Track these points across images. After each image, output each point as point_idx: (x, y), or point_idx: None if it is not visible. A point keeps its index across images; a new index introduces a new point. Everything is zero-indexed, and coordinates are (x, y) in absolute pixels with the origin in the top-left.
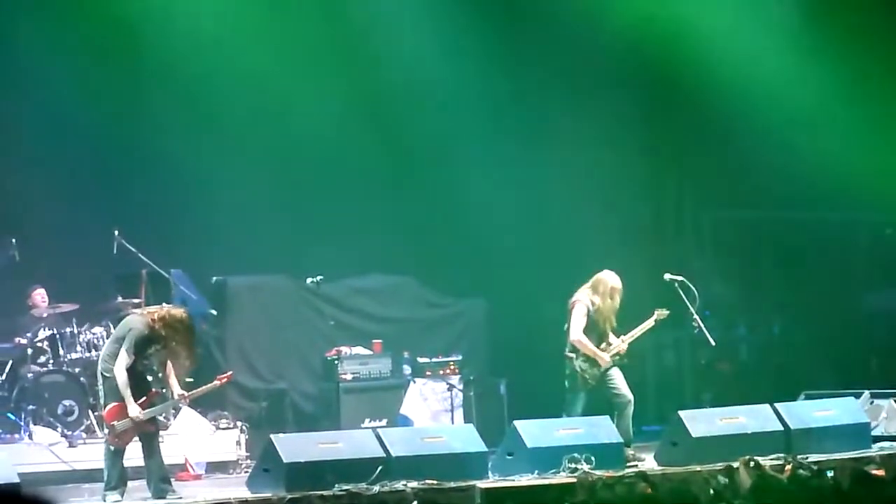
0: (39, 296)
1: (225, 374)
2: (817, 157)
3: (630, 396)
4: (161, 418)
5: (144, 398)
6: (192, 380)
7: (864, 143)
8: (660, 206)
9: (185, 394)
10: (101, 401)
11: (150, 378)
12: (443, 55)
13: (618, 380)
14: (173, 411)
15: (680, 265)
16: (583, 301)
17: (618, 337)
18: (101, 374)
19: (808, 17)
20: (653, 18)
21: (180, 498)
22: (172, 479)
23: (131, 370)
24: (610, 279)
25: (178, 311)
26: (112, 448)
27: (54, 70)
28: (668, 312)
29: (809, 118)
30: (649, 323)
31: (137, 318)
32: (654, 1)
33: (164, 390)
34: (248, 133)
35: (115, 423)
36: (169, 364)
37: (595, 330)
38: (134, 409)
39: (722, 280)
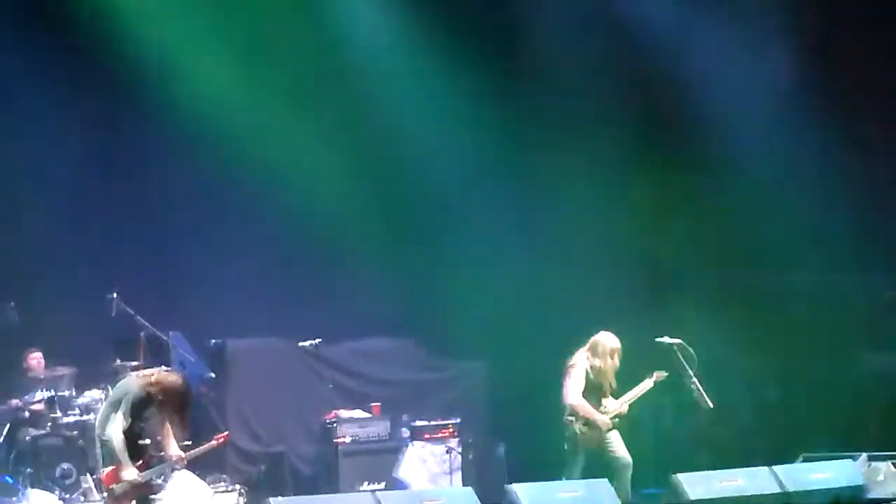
0: (35, 359)
1: (222, 434)
2: (814, 219)
3: (628, 459)
4: (158, 481)
5: (141, 461)
6: (189, 443)
7: (863, 205)
8: (657, 268)
9: (183, 455)
10: (99, 464)
11: (147, 440)
12: (441, 120)
13: (616, 443)
14: (171, 473)
15: (677, 327)
16: (581, 364)
17: (616, 399)
18: (98, 437)
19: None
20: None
21: None
22: None
23: (128, 433)
24: (608, 340)
25: (174, 376)
26: None
27: (53, 133)
28: (666, 374)
29: (808, 180)
30: (648, 384)
31: (133, 381)
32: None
33: (161, 453)
34: (246, 196)
35: (114, 486)
36: (166, 426)
37: (594, 392)
38: (131, 472)
39: (720, 342)
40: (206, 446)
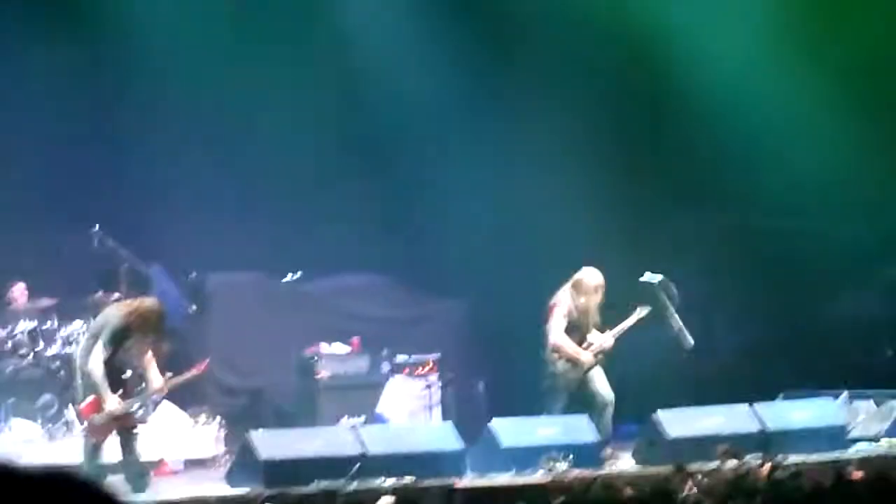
0: (18, 291)
1: (202, 363)
2: (794, 167)
3: (611, 397)
4: (139, 413)
5: (122, 391)
6: (170, 374)
7: (842, 153)
8: (639, 205)
9: (163, 385)
10: (80, 395)
11: (128, 371)
12: (420, 52)
13: (598, 380)
14: (152, 406)
15: (659, 264)
16: (563, 301)
17: (601, 334)
18: (80, 369)
19: (790, 16)
20: (631, 18)
21: (157, 493)
22: (151, 475)
23: (109, 364)
24: (591, 277)
25: (151, 301)
26: (91, 442)
27: (30, 62)
28: (649, 309)
29: (790, 127)
30: (631, 320)
31: (113, 312)
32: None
33: (142, 384)
34: (225, 129)
35: (94, 416)
36: (146, 356)
37: (577, 329)
38: (111, 403)
39: (701, 281)
40: (186, 375)
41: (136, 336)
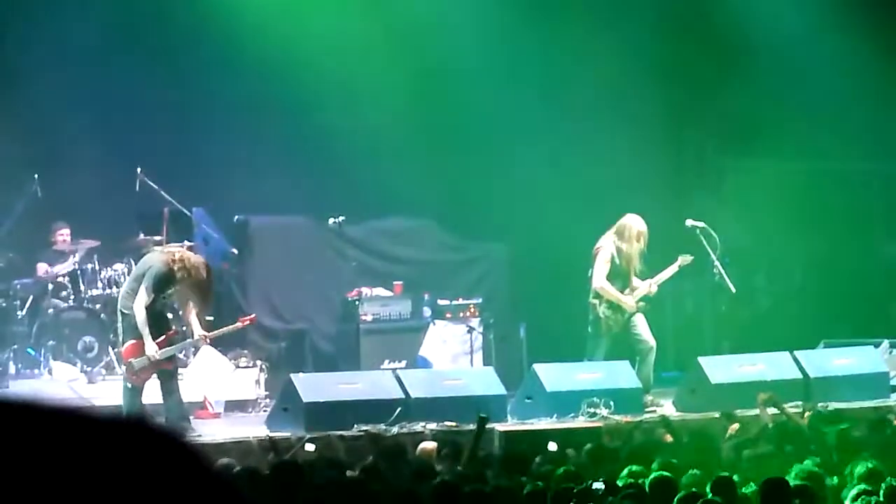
0: (63, 234)
1: (248, 317)
2: (843, 108)
3: (653, 343)
4: (181, 356)
5: (163, 337)
6: (212, 318)
7: (889, 93)
8: (682, 153)
9: (206, 334)
10: (120, 338)
11: (169, 317)
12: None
13: (641, 326)
14: (193, 350)
15: (701, 213)
16: (607, 247)
17: (643, 281)
18: (121, 311)
19: None
20: None
21: (199, 436)
22: (191, 418)
23: (150, 308)
24: (635, 223)
25: (197, 257)
26: (130, 385)
27: (80, 8)
28: (692, 258)
29: (834, 67)
30: (674, 268)
31: (157, 257)
32: None
33: (184, 329)
34: (273, 72)
35: (133, 360)
36: (188, 304)
37: (620, 275)
38: (151, 348)
39: (742, 228)
40: (230, 327)
41: (178, 285)
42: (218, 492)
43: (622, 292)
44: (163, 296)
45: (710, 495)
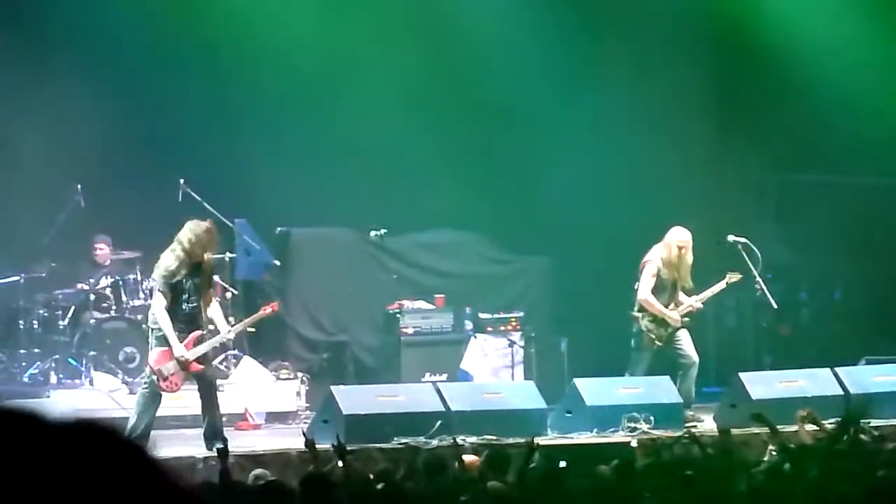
0: (103, 244)
1: (271, 304)
2: (884, 123)
3: (695, 358)
4: (222, 367)
5: (189, 339)
6: (253, 330)
7: None
8: (724, 169)
9: (231, 328)
10: (151, 350)
11: (196, 320)
12: (514, 17)
13: (684, 341)
14: (233, 361)
15: (742, 228)
16: (653, 261)
17: (689, 297)
18: (150, 328)
19: None
20: None
21: (239, 446)
22: (231, 429)
23: (175, 311)
24: (678, 235)
25: (193, 225)
26: (147, 395)
27: (124, 17)
28: (740, 276)
29: (879, 83)
30: (721, 285)
31: (164, 257)
32: None
33: (210, 327)
34: (316, 83)
35: (161, 367)
36: (207, 298)
37: (666, 289)
38: (179, 349)
39: (784, 244)
40: (253, 317)
41: (184, 269)
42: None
43: (667, 307)
44: (180, 294)
45: None
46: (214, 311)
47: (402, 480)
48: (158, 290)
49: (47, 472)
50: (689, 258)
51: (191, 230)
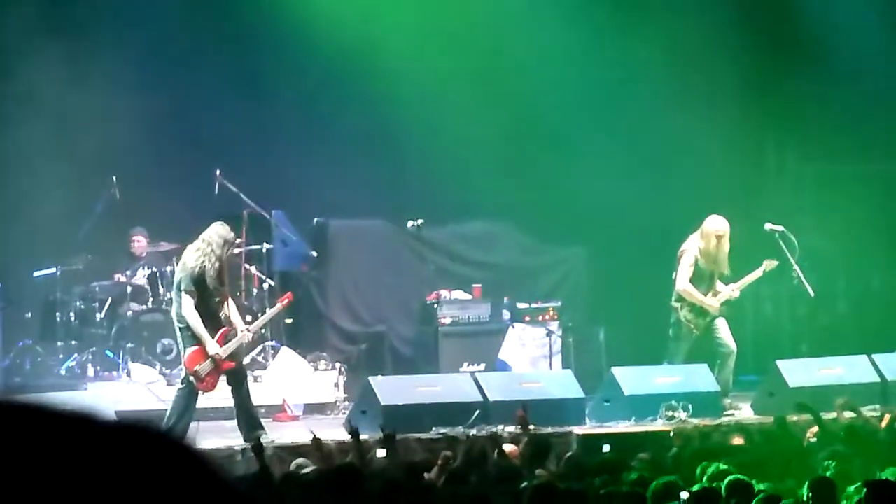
0: (140, 236)
1: (284, 296)
2: None
3: (734, 347)
4: (259, 359)
5: (220, 335)
6: (290, 320)
7: None
8: (762, 157)
9: (247, 327)
10: (181, 350)
11: (220, 317)
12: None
13: (723, 330)
14: (272, 352)
15: (780, 216)
16: (691, 250)
17: (726, 285)
18: (177, 326)
19: None
20: None
21: (272, 441)
22: (269, 420)
23: (204, 309)
24: (715, 223)
25: (217, 228)
26: (184, 394)
27: (162, 8)
28: (776, 263)
29: None
30: (758, 273)
31: (186, 256)
32: None
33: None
34: (352, 74)
35: (197, 367)
36: (230, 302)
37: (703, 278)
38: (213, 347)
39: (821, 233)
40: (270, 312)
41: (207, 265)
42: (221, 498)
43: (705, 295)
44: (206, 293)
45: (807, 495)
46: (231, 309)
47: (461, 469)
48: (185, 291)
49: (107, 479)
50: (727, 247)
51: (218, 233)
